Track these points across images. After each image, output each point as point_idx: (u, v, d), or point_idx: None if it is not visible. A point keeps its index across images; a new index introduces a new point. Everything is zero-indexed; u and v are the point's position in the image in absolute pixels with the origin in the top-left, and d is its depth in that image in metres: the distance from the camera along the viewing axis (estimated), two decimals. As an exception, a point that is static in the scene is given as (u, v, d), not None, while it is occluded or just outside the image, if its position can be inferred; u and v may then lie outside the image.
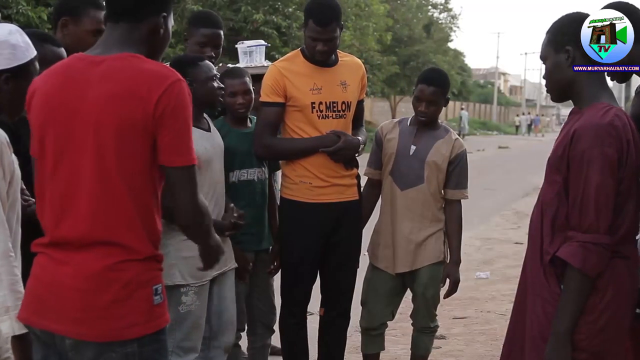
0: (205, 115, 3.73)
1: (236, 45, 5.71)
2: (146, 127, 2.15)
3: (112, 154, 2.16)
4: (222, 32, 4.05)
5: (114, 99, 2.15)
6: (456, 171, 4.18)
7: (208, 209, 2.32)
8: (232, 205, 3.68)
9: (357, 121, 4.10)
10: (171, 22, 2.35)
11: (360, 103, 4.09)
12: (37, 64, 2.65)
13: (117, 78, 2.17)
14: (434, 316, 4.31)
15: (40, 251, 2.28)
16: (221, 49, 4.11)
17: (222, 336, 3.71)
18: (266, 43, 5.55)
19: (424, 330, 4.30)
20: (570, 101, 2.74)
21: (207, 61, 3.66)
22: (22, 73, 2.56)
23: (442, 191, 4.21)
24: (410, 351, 4.43)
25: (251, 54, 5.35)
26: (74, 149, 2.20)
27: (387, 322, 4.34)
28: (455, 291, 4.26)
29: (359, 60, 4.16)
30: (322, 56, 3.87)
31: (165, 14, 2.31)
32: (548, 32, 2.68)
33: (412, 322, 4.36)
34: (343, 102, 3.94)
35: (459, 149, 4.19)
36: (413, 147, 4.16)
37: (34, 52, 2.66)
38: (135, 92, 2.15)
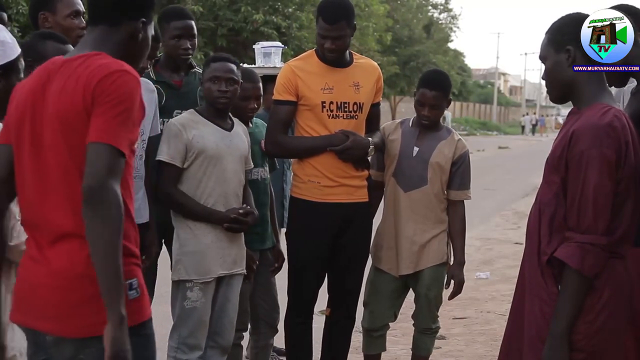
0: (233, 118, 3.77)
1: (254, 46, 5.77)
2: (89, 115, 2.14)
3: (65, 147, 2.17)
4: (194, 23, 4.06)
5: (63, 93, 2.17)
6: (459, 172, 4.18)
7: (121, 205, 2.08)
8: (245, 205, 3.69)
9: (372, 124, 4.10)
10: (151, 29, 2.35)
11: (375, 106, 4.09)
12: (22, 61, 2.69)
13: (70, 74, 2.18)
14: (436, 317, 4.30)
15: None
16: (196, 40, 4.11)
17: (218, 337, 3.72)
18: (283, 45, 5.62)
19: (426, 331, 4.30)
20: (570, 102, 2.74)
21: (224, 63, 3.67)
22: (12, 69, 2.59)
23: (445, 192, 4.21)
24: (410, 351, 4.43)
25: (269, 55, 5.43)
26: (35, 145, 2.22)
27: (389, 323, 4.34)
28: (460, 292, 4.26)
29: (375, 63, 4.16)
30: (330, 54, 3.88)
31: (144, 19, 2.31)
32: (548, 32, 2.67)
33: (413, 322, 4.36)
34: (355, 103, 3.94)
35: (461, 149, 4.19)
36: (416, 149, 4.15)
37: (19, 49, 2.69)
38: (80, 83, 2.15)
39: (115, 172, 2.09)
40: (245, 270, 3.77)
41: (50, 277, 2.19)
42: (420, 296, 4.23)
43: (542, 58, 2.68)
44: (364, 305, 4.28)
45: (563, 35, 2.61)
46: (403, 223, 4.15)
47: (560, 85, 2.66)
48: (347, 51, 3.98)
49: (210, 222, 3.58)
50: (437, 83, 4.14)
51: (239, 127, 3.79)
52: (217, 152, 3.61)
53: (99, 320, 2.15)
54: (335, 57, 3.91)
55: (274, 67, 5.39)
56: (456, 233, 4.21)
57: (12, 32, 3.02)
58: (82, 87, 2.15)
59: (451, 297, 4.25)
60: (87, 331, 2.17)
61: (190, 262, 3.58)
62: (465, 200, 4.26)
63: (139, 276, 2.27)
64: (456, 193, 4.21)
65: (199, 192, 3.59)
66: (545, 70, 2.68)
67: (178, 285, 3.61)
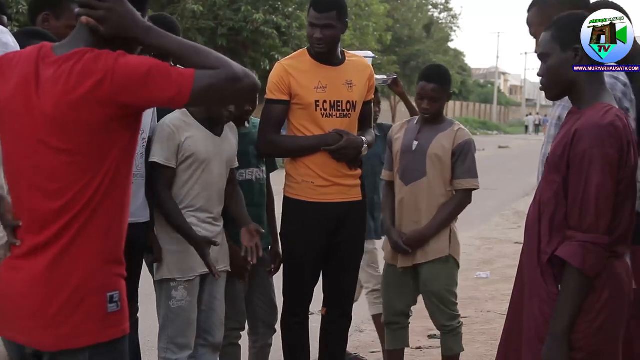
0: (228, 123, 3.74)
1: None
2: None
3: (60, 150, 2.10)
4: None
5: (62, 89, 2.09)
6: (460, 160, 4.18)
7: None
8: (253, 227, 3.61)
9: (365, 122, 4.09)
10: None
11: (367, 104, 4.08)
12: None
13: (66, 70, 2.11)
14: (450, 315, 4.24)
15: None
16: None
17: (208, 335, 3.72)
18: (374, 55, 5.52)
19: (443, 330, 4.28)
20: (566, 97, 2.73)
21: None
22: None
23: (449, 184, 4.20)
24: (410, 350, 4.45)
25: None
26: (22, 147, 2.14)
27: (409, 319, 4.35)
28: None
29: (366, 61, 4.15)
30: (319, 45, 3.83)
31: None
32: (552, 29, 2.63)
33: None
34: (348, 102, 3.93)
35: (461, 138, 4.19)
36: (415, 143, 4.20)
37: None
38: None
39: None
40: (229, 267, 3.76)
41: (28, 286, 2.12)
42: (422, 291, 4.25)
43: (544, 55, 2.64)
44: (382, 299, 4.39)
45: (571, 34, 2.58)
46: (404, 216, 4.18)
47: (561, 84, 2.64)
48: (339, 49, 3.97)
49: (185, 238, 3.53)
50: (435, 76, 4.19)
51: (227, 127, 3.75)
52: (207, 157, 3.60)
53: (73, 332, 2.10)
54: (323, 50, 3.85)
55: None
56: (442, 208, 4.15)
57: (11, 31, 3.00)
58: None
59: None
60: (61, 344, 2.11)
61: (173, 260, 3.57)
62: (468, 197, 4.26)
63: (122, 289, 2.19)
64: (459, 182, 4.19)
65: (183, 193, 3.58)
66: (546, 67, 2.64)
67: (162, 285, 3.61)
